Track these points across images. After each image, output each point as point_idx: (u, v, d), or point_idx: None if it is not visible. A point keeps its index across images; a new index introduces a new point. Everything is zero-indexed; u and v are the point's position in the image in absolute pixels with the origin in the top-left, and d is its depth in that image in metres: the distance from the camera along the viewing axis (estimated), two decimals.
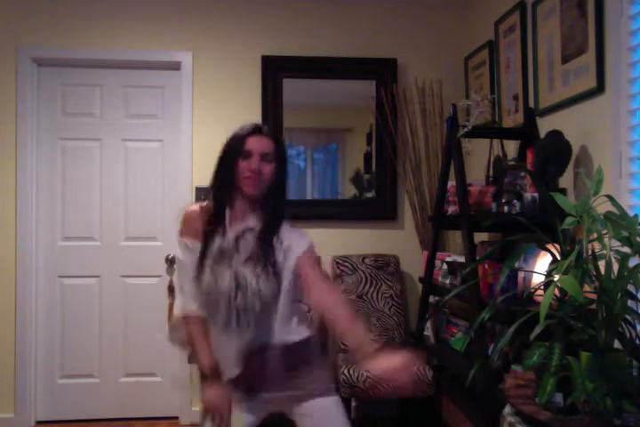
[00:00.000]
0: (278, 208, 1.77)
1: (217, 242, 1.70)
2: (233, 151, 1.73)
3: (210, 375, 1.71)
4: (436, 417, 2.94)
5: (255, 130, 1.75)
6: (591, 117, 2.20)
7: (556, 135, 2.28)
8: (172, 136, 3.46)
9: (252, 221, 1.74)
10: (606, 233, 1.46)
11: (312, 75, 3.49)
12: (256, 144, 1.72)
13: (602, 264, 1.48)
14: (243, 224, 1.73)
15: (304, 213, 3.30)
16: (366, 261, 3.39)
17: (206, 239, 1.70)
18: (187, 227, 1.76)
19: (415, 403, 3.09)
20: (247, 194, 1.73)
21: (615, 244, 1.47)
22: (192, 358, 2.93)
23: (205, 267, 1.68)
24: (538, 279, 2.04)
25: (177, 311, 1.77)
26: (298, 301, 1.80)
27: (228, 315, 1.67)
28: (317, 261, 1.81)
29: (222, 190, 1.75)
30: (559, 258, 1.57)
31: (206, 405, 1.70)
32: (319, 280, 1.74)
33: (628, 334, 1.47)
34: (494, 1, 3.13)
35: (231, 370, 1.72)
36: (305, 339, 1.78)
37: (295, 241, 1.76)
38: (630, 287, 1.46)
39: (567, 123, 2.36)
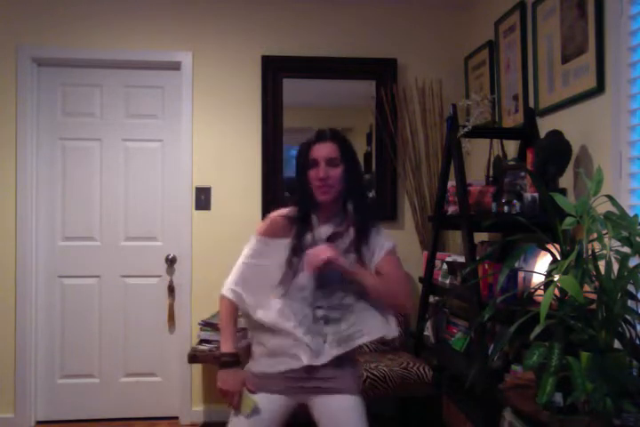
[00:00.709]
0: (363, 210, 1.83)
1: (308, 239, 1.78)
2: (301, 161, 1.82)
3: (227, 360, 1.78)
4: (436, 417, 2.94)
5: (319, 136, 1.82)
6: (591, 117, 2.20)
7: (556, 135, 2.28)
8: (172, 136, 3.46)
9: (338, 224, 1.81)
10: (606, 233, 1.46)
11: (312, 75, 3.49)
12: (320, 151, 1.79)
13: (602, 264, 1.48)
14: (328, 227, 1.80)
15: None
16: None
17: (297, 237, 1.78)
18: (266, 226, 1.84)
19: (415, 403, 3.09)
20: (320, 201, 1.79)
21: (615, 244, 1.47)
22: (192, 359, 2.94)
23: (294, 264, 1.76)
24: (538, 279, 2.04)
25: (222, 290, 1.84)
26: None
27: (307, 310, 1.76)
28: (398, 261, 1.88)
29: (303, 200, 1.82)
30: (559, 258, 1.57)
31: (220, 386, 1.77)
32: (394, 272, 1.82)
33: (627, 334, 1.47)
34: (494, 1, 3.13)
35: (295, 355, 1.76)
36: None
37: (379, 244, 1.83)
38: (630, 287, 1.46)
39: (567, 123, 2.36)
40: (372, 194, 3.55)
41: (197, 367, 3.35)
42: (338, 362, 1.78)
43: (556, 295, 1.47)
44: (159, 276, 3.44)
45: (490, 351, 2.25)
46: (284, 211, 1.86)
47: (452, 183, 2.73)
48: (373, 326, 1.81)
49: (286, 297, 1.77)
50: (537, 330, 1.41)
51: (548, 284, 1.49)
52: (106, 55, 3.37)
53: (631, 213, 1.64)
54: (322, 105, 3.58)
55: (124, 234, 3.44)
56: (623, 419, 1.36)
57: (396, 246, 1.88)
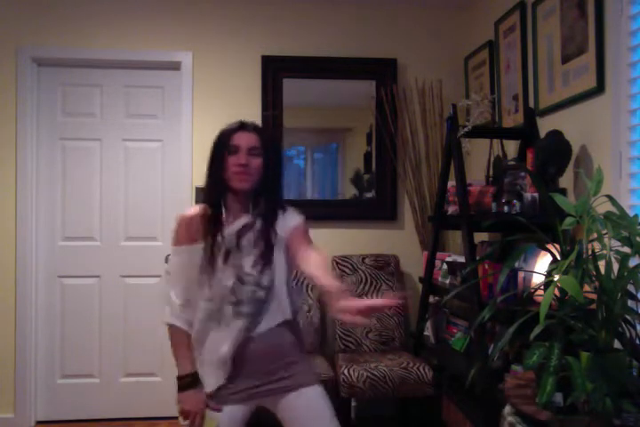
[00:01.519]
0: (273, 202, 1.78)
1: (219, 240, 1.72)
2: (221, 148, 1.76)
3: (188, 381, 1.74)
4: (436, 417, 2.94)
5: (240, 126, 1.79)
6: (591, 117, 2.20)
7: (556, 135, 2.28)
8: (172, 136, 3.47)
9: (248, 217, 1.75)
10: (606, 233, 1.46)
11: (312, 75, 3.49)
12: (242, 139, 1.75)
13: (602, 264, 1.48)
14: (240, 221, 1.75)
15: (304, 213, 3.29)
16: (366, 261, 3.39)
17: (210, 239, 1.72)
18: (182, 232, 1.79)
19: (415, 403, 3.09)
20: (237, 189, 1.74)
21: (615, 244, 1.47)
22: None
23: (215, 265, 1.71)
24: (538, 279, 2.04)
25: (164, 319, 1.82)
26: (290, 283, 1.82)
27: (227, 308, 1.70)
28: (306, 232, 1.81)
29: (215, 188, 1.77)
30: (559, 258, 1.57)
31: (182, 407, 1.75)
32: (304, 246, 1.75)
33: (627, 334, 1.47)
34: (494, 1, 3.13)
35: (223, 363, 1.71)
36: (291, 322, 1.79)
37: (286, 222, 1.78)
38: (630, 287, 1.46)
39: (567, 123, 2.36)
40: (372, 194, 3.55)
41: None
42: (285, 364, 1.75)
43: (555, 295, 1.47)
44: (159, 276, 3.43)
45: (490, 351, 2.25)
46: (192, 210, 1.81)
47: (451, 183, 2.73)
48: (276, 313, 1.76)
49: (208, 300, 1.73)
50: (537, 330, 1.41)
51: (548, 284, 1.49)
52: (106, 55, 3.37)
53: (631, 213, 1.64)
54: (322, 105, 3.58)
55: (124, 234, 3.44)
56: (623, 419, 1.36)
57: (304, 221, 1.82)
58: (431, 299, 3.06)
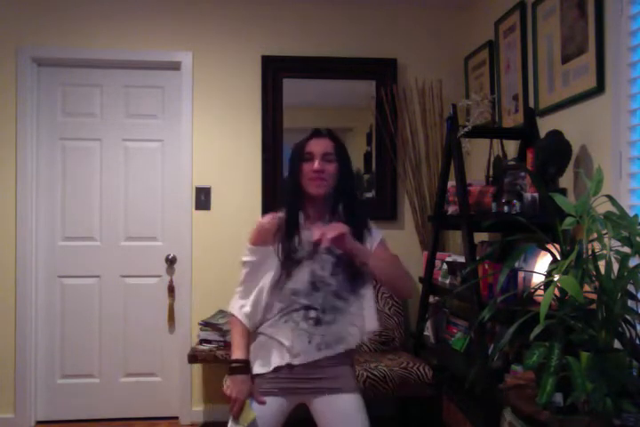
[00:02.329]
0: (353, 212, 1.82)
1: (295, 243, 1.77)
2: (296, 156, 1.82)
3: (239, 366, 1.77)
4: (436, 417, 2.94)
5: (314, 133, 1.84)
6: (591, 117, 2.20)
7: (556, 135, 2.28)
8: (172, 136, 3.46)
9: (326, 223, 1.79)
10: (606, 233, 1.46)
11: (312, 75, 3.49)
12: (316, 146, 1.80)
13: (602, 264, 1.48)
14: (309, 232, 1.78)
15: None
16: None
17: (287, 242, 1.77)
18: (257, 233, 1.83)
19: (415, 403, 3.09)
20: (313, 195, 1.78)
21: (615, 244, 1.47)
22: (192, 359, 2.95)
23: (289, 268, 1.76)
24: (538, 279, 2.04)
25: (228, 308, 1.86)
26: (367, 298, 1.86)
27: (298, 312, 1.76)
28: (389, 249, 1.88)
29: (292, 194, 1.82)
30: (559, 258, 1.57)
31: (224, 391, 1.77)
32: (390, 256, 1.84)
33: (627, 334, 1.47)
34: (494, 1, 3.13)
35: (294, 356, 1.76)
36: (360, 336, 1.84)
37: (370, 240, 1.84)
38: (630, 287, 1.46)
39: (567, 123, 2.36)
40: (372, 194, 3.55)
41: (197, 367, 3.35)
42: (335, 362, 1.78)
43: (555, 295, 1.47)
44: (159, 276, 3.44)
45: (490, 351, 2.25)
46: (270, 215, 1.86)
47: (451, 183, 2.73)
48: (361, 328, 1.82)
49: (280, 301, 1.77)
50: (537, 330, 1.41)
51: (548, 284, 1.49)
52: (106, 55, 3.37)
53: (631, 213, 1.64)
54: (322, 105, 3.58)
55: (124, 234, 3.44)
56: (623, 419, 1.36)
57: (384, 237, 1.89)
58: (431, 299, 3.06)
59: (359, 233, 1.80)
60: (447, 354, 2.84)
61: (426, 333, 3.10)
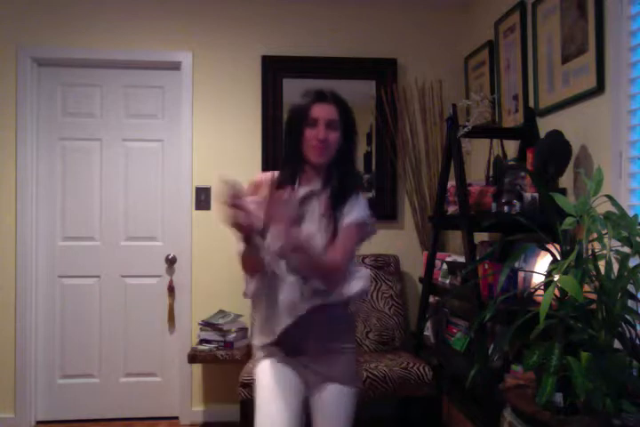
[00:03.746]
0: (346, 177, 1.76)
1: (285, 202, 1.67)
2: (299, 120, 1.72)
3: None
4: (436, 417, 2.94)
5: (320, 96, 1.74)
6: (591, 117, 2.20)
7: (556, 135, 2.28)
8: (172, 136, 3.46)
9: (317, 186, 1.74)
10: (606, 233, 1.46)
11: (312, 75, 3.49)
12: (322, 112, 1.71)
13: (602, 264, 1.48)
14: (307, 188, 1.73)
15: None
16: (366, 261, 3.39)
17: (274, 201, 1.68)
18: (254, 188, 1.77)
19: (415, 403, 3.09)
20: (314, 162, 1.73)
21: (615, 244, 1.47)
22: (192, 359, 2.90)
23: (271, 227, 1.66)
24: (538, 279, 2.04)
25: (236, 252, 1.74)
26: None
27: (282, 268, 1.69)
28: (356, 235, 1.75)
29: (291, 159, 1.75)
30: (559, 258, 1.57)
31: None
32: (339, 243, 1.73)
33: (627, 334, 1.47)
34: (494, 1, 3.13)
35: (279, 326, 1.73)
36: (347, 308, 1.80)
37: (349, 212, 1.74)
38: (630, 287, 1.46)
39: (567, 123, 2.36)
40: (372, 194, 3.55)
41: (197, 367, 3.35)
42: (329, 347, 1.76)
43: (555, 295, 1.47)
44: (159, 276, 3.44)
45: (490, 351, 2.25)
46: (264, 175, 1.80)
47: (451, 183, 2.73)
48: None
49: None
50: (537, 330, 1.41)
51: (548, 284, 1.49)
52: (106, 55, 3.37)
53: (631, 213, 1.64)
54: None
55: (124, 234, 3.44)
56: (623, 419, 1.36)
57: (369, 221, 1.77)
58: (431, 299, 3.06)
59: (341, 200, 1.73)
60: (447, 354, 2.84)
61: (426, 333, 3.10)
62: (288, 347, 1.76)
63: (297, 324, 1.72)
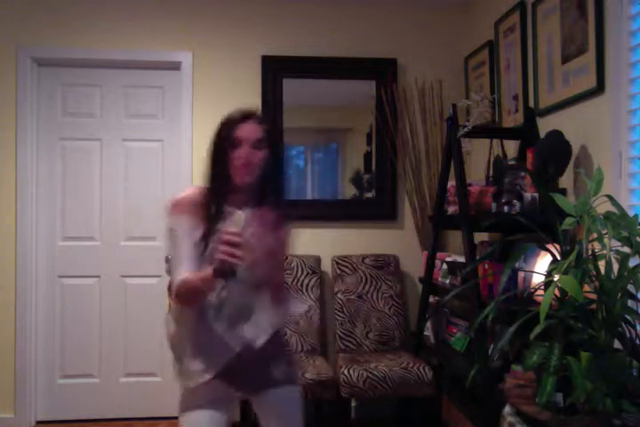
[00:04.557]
0: (279, 197, 1.75)
1: (213, 232, 1.65)
2: (223, 140, 1.71)
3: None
4: (436, 417, 2.94)
5: (245, 116, 1.73)
6: (591, 117, 2.20)
7: (556, 135, 2.28)
8: (171, 136, 3.46)
9: (245, 213, 1.69)
10: (606, 233, 1.45)
11: (312, 75, 3.49)
12: (246, 131, 1.70)
13: (602, 264, 1.48)
14: (237, 216, 1.66)
15: (304, 213, 3.30)
16: (366, 261, 3.39)
17: (209, 224, 1.66)
18: (184, 205, 1.71)
19: (415, 403, 3.09)
20: (238, 183, 1.70)
21: (615, 244, 1.47)
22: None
23: (207, 249, 1.64)
24: (538, 279, 2.04)
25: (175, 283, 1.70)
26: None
27: (219, 301, 1.67)
28: (286, 241, 1.75)
29: (218, 183, 1.72)
30: (559, 258, 1.57)
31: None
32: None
33: (627, 334, 1.47)
34: (494, 1, 3.13)
35: (216, 365, 1.70)
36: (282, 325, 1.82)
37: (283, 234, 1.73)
38: (630, 287, 1.46)
39: (567, 123, 2.36)
40: (372, 194, 3.55)
41: None
42: (264, 357, 1.74)
43: (555, 295, 1.47)
44: (159, 276, 3.43)
45: (490, 351, 2.25)
46: (195, 189, 1.74)
47: (451, 183, 2.73)
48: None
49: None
50: (537, 330, 1.41)
51: (548, 284, 1.49)
52: (106, 55, 3.37)
53: (631, 213, 1.64)
54: (322, 105, 3.58)
55: (124, 234, 3.44)
56: (623, 419, 1.36)
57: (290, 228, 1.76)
58: (431, 299, 3.06)
59: (279, 220, 1.69)
60: (447, 354, 2.84)
61: (426, 333, 3.10)
62: (226, 377, 1.71)
63: (241, 354, 1.70)
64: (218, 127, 1.76)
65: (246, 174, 1.69)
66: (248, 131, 1.70)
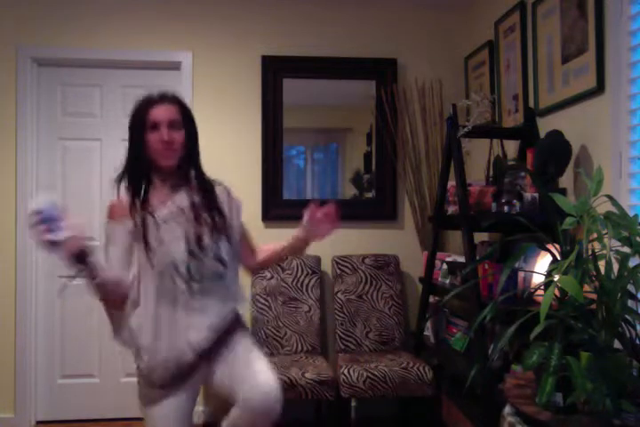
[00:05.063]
0: (203, 176, 1.77)
1: (149, 220, 1.65)
2: (139, 125, 1.69)
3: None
4: (436, 417, 2.94)
5: (159, 97, 1.71)
6: (591, 117, 2.20)
7: (556, 135, 2.28)
8: None
9: (182, 198, 1.70)
10: (606, 233, 1.45)
11: (312, 75, 3.49)
12: (161, 113, 1.67)
13: (602, 264, 1.48)
14: (172, 202, 1.68)
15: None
16: (366, 261, 3.39)
17: (140, 219, 1.67)
18: (114, 211, 1.74)
19: (415, 403, 3.09)
20: (164, 166, 1.68)
21: (615, 244, 1.47)
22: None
23: (151, 243, 1.65)
24: (538, 279, 2.04)
25: None
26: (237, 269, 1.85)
27: (180, 285, 1.66)
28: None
29: (138, 169, 1.71)
30: (559, 258, 1.57)
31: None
32: (254, 245, 1.87)
33: (627, 334, 1.47)
34: (494, 1, 3.13)
35: (176, 358, 1.75)
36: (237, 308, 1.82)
37: (235, 204, 1.81)
38: (630, 287, 1.46)
39: (567, 123, 2.36)
40: (372, 194, 3.55)
41: None
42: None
43: (556, 295, 1.47)
44: None
45: (490, 351, 2.25)
46: (120, 198, 1.75)
47: (451, 183, 2.73)
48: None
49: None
50: (537, 330, 1.41)
51: (548, 284, 1.49)
52: (106, 55, 3.37)
53: (631, 213, 1.64)
54: (322, 105, 3.58)
55: None
56: (623, 419, 1.36)
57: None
58: (431, 299, 3.06)
59: (213, 195, 1.73)
60: (447, 354, 2.84)
61: (426, 333, 3.10)
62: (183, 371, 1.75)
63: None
64: (132, 112, 1.73)
65: (169, 156, 1.68)
66: (163, 111, 1.68)
